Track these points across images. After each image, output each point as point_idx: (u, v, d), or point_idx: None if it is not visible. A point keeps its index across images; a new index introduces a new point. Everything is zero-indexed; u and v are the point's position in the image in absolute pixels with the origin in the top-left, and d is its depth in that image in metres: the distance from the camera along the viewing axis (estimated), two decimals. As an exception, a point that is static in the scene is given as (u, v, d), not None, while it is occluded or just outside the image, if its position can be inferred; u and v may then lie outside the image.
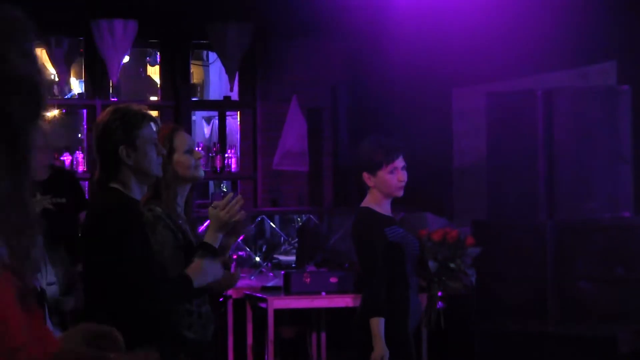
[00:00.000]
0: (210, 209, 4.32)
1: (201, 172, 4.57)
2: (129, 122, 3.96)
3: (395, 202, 5.45)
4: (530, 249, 6.25)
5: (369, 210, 5.28)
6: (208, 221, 4.53)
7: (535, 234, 6.25)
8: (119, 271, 3.84)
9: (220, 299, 7.23)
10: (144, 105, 4.22)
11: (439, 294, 5.65)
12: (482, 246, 5.64)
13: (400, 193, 5.29)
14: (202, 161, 4.64)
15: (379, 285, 5.13)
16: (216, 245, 4.21)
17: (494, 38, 7.95)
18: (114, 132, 3.95)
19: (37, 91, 1.81)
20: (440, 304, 5.93)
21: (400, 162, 5.24)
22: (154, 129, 4.05)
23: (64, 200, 6.44)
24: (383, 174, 5.21)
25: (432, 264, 5.51)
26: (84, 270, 4.24)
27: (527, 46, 7.64)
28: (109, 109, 4.10)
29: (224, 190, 11.71)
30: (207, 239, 4.23)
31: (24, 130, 1.79)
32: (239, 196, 4.40)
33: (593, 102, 6.36)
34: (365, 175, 5.25)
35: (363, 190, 5.40)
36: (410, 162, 5.37)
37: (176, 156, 4.43)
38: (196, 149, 4.77)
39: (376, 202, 5.29)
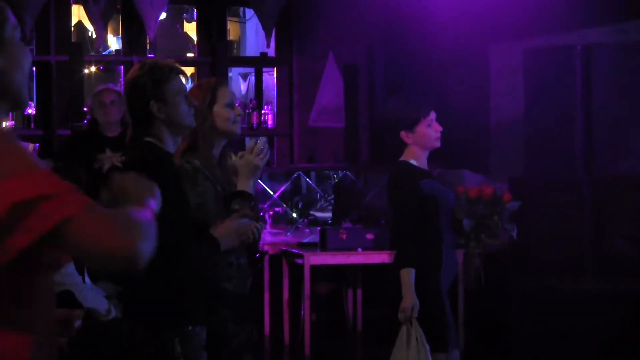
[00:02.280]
0: (235, 159, 4.34)
1: (238, 129, 4.55)
2: (157, 76, 3.96)
3: (432, 159, 5.47)
4: (567, 206, 6.22)
5: (405, 164, 5.30)
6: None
7: (573, 191, 6.22)
8: None
9: (257, 255, 7.28)
10: (172, 60, 4.20)
11: (477, 252, 5.65)
12: (517, 198, 5.62)
13: (439, 144, 5.33)
14: (239, 118, 4.64)
15: (410, 236, 5.15)
16: (250, 192, 4.26)
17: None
18: (143, 87, 3.95)
19: None
20: (477, 259, 5.94)
21: (433, 114, 5.31)
22: (183, 81, 4.05)
23: None
24: (421, 128, 5.27)
25: (466, 222, 5.49)
26: None
27: (566, 1, 7.55)
28: (136, 65, 4.11)
29: (261, 146, 11.72)
30: (240, 186, 4.27)
31: None
32: (261, 140, 4.42)
33: (633, 58, 6.29)
34: (403, 133, 5.29)
35: (399, 147, 5.39)
36: (447, 119, 5.39)
37: (217, 108, 4.44)
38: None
39: (414, 156, 5.32)
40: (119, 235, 1.98)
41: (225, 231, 4.01)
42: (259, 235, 4.22)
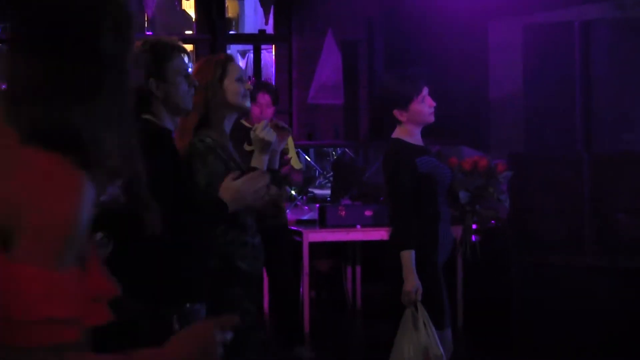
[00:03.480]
0: (251, 132, 4.34)
1: (248, 103, 4.56)
2: (158, 53, 3.92)
3: (431, 135, 5.42)
4: (567, 181, 6.20)
5: (399, 141, 5.24)
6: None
7: (572, 166, 6.19)
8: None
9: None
10: (176, 37, 4.17)
11: (473, 225, 5.63)
12: (519, 179, 5.60)
13: (433, 118, 5.26)
14: (248, 92, 4.65)
15: (408, 216, 5.11)
16: (264, 168, 4.23)
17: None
18: (143, 64, 3.92)
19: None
20: (474, 237, 5.93)
21: (426, 90, 5.23)
22: (186, 60, 4.02)
23: None
24: (414, 106, 5.20)
25: (462, 195, 5.47)
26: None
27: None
28: (138, 41, 4.07)
29: (266, 122, 11.75)
30: (254, 162, 4.26)
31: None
32: (273, 120, 4.42)
33: (631, 33, 6.26)
34: (396, 112, 5.22)
35: (395, 123, 5.35)
36: (446, 95, 5.35)
37: (227, 82, 4.42)
38: None
39: (407, 133, 5.25)
40: None
41: (229, 191, 3.93)
42: (280, 198, 4.18)
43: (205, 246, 4.08)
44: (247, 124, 7.09)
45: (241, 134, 6.94)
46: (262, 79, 10.93)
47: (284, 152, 7.15)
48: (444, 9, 8.93)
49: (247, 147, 6.75)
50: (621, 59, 6.23)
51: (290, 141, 7.27)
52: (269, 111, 7.17)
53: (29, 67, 1.90)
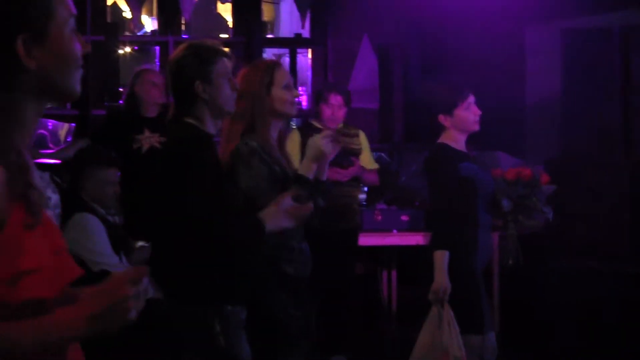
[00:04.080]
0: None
1: (295, 110, 4.55)
2: (202, 57, 3.96)
3: (467, 141, 5.41)
4: (605, 187, 6.18)
5: (444, 146, 5.28)
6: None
7: (611, 172, 6.17)
8: (186, 203, 3.79)
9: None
10: (218, 41, 4.20)
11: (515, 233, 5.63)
12: (555, 184, 5.60)
13: (477, 127, 5.30)
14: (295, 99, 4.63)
15: (447, 218, 5.13)
16: (310, 176, 4.22)
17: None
18: (188, 67, 3.95)
19: None
20: (510, 244, 5.92)
21: (472, 97, 5.26)
22: (228, 64, 4.03)
23: None
24: (459, 112, 5.23)
25: (506, 203, 5.47)
26: (153, 203, 4.23)
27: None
28: (182, 45, 4.09)
29: (293, 126, 11.74)
30: (302, 169, 4.25)
31: None
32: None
33: None
34: (441, 117, 5.26)
35: (435, 128, 5.37)
36: (482, 100, 5.36)
37: (275, 90, 4.42)
38: None
39: (453, 139, 5.29)
40: None
41: (271, 213, 3.94)
42: (316, 216, 4.17)
43: (248, 250, 4.10)
44: (317, 125, 7.05)
45: (310, 135, 6.96)
46: (298, 83, 10.94)
47: (357, 152, 7.14)
48: (480, 13, 8.93)
49: None
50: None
51: (364, 141, 7.26)
52: (341, 112, 7.09)
53: None
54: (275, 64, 4.58)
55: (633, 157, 6.14)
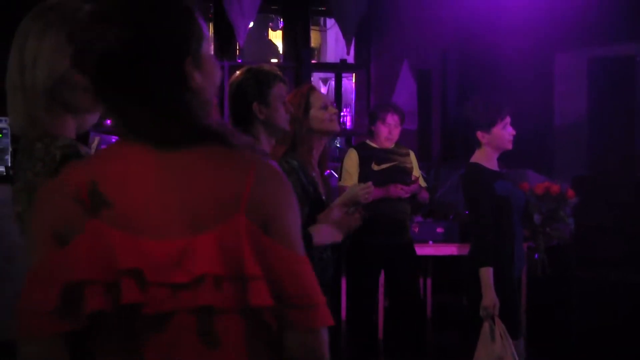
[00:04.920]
0: (353, 185, 4.35)
1: (336, 126, 4.56)
2: (261, 80, 4.01)
3: (499, 159, 5.38)
4: (626, 203, 6.20)
5: (478, 166, 5.26)
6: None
7: (632, 188, 6.18)
8: None
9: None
10: (275, 66, 4.28)
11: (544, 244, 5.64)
12: (581, 200, 5.63)
13: (511, 146, 5.27)
14: (335, 116, 4.61)
15: (487, 236, 5.11)
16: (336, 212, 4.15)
17: (593, 6, 7.85)
18: (248, 89, 4.01)
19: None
20: (537, 255, 5.96)
21: (509, 118, 5.24)
22: (283, 87, 4.08)
23: None
24: (497, 130, 5.21)
25: (537, 217, 5.51)
26: None
27: (625, 13, 7.52)
28: (242, 69, 4.14)
29: (337, 145, 11.80)
30: (337, 206, 4.18)
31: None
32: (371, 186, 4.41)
33: None
34: (479, 133, 5.24)
35: (470, 146, 5.37)
36: (513, 120, 5.36)
37: (312, 112, 4.47)
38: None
39: (486, 157, 5.27)
40: None
41: (321, 228, 3.97)
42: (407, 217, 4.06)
43: None
44: (372, 144, 7.07)
45: (367, 154, 6.95)
46: (342, 104, 11.00)
47: (410, 171, 7.08)
48: (512, 39, 8.96)
49: (374, 167, 6.77)
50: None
51: (414, 160, 7.21)
52: (397, 131, 7.04)
53: None
54: (309, 88, 4.61)
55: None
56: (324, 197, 4.38)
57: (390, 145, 7.03)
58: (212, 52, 2.14)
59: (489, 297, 5.00)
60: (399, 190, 6.84)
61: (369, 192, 4.28)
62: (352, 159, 6.99)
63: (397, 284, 7.06)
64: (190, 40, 2.06)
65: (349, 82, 11.56)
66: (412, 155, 7.23)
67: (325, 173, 4.81)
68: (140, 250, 1.92)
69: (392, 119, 6.96)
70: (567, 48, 8.40)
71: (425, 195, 7.13)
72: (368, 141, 7.13)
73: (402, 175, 6.97)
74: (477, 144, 5.30)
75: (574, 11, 8.14)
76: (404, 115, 7.12)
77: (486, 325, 5.03)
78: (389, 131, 6.95)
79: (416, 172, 7.15)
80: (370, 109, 7.38)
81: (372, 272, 7.04)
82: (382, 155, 7.02)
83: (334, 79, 11.58)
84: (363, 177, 6.89)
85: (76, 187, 1.95)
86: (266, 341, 2.03)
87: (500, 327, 5.02)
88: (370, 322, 7.13)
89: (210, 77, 2.12)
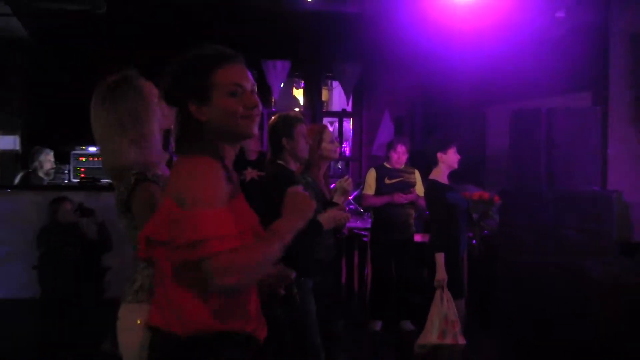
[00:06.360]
0: (338, 182, 4.31)
1: (337, 155, 4.58)
2: (288, 122, 4.04)
3: (448, 176, 5.34)
4: (534, 207, 6.13)
5: (435, 181, 5.15)
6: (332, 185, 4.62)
7: (539, 199, 6.12)
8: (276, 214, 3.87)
9: (338, 235, 7.24)
10: (298, 113, 4.34)
11: (471, 234, 5.57)
12: (504, 203, 5.62)
13: (457, 166, 5.20)
14: (336, 148, 4.64)
15: (441, 231, 5.03)
16: (339, 202, 4.22)
17: (514, 73, 7.86)
18: (279, 129, 4.03)
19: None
20: (474, 241, 5.96)
21: (455, 147, 5.21)
22: (303, 127, 4.10)
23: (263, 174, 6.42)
24: (452, 152, 5.14)
25: (475, 216, 5.50)
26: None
27: (537, 75, 7.52)
28: (276, 115, 4.15)
29: (339, 167, 11.80)
30: (335, 200, 4.25)
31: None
32: (349, 178, 4.46)
33: (584, 120, 6.12)
34: (439, 154, 5.14)
35: (429, 167, 5.30)
36: (459, 150, 5.31)
37: (324, 144, 4.47)
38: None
39: (440, 175, 5.17)
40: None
41: (326, 218, 3.86)
42: (346, 222, 4.21)
43: (313, 241, 4.09)
44: (387, 165, 6.84)
45: (382, 172, 6.69)
46: (343, 139, 10.96)
47: (414, 184, 6.77)
48: (458, 96, 8.93)
49: (387, 181, 6.60)
50: (571, 134, 6.09)
51: (418, 176, 6.92)
52: (404, 157, 6.80)
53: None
54: (322, 127, 4.61)
55: (554, 189, 6.10)
56: (328, 200, 4.36)
57: (400, 166, 6.81)
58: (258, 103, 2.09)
59: (440, 274, 4.93)
60: (400, 198, 6.69)
61: (349, 182, 4.24)
62: (372, 175, 6.83)
63: (403, 268, 6.89)
64: (190, 87, 2.00)
65: (348, 124, 11.57)
66: (417, 173, 6.91)
67: (331, 186, 4.84)
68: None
69: (400, 148, 6.78)
70: (495, 102, 8.44)
71: (421, 202, 6.84)
72: (385, 163, 6.95)
73: (406, 187, 6.80)
74: (435, 163, 5.19)
75: (501, 76, 8.18)
76: (409, 145, 6.87)
77: (438, 292, 4.96)
78: (398, 157, 6.76)
79: (419, 185, 6.85)
80: (388, 141, 7.29)
81: (387, 259, 6.88)
82: (393, 173, 6.82)
83: (337, 122, 11.60)
84: (379, 188, 6.74)
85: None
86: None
87: (447, 295, 4.95)
88: (386, 289, 6.96)
89: (223, 110, 2.01)
